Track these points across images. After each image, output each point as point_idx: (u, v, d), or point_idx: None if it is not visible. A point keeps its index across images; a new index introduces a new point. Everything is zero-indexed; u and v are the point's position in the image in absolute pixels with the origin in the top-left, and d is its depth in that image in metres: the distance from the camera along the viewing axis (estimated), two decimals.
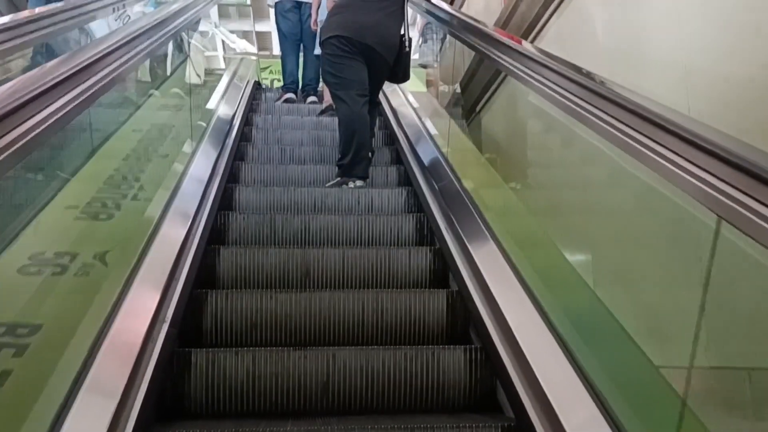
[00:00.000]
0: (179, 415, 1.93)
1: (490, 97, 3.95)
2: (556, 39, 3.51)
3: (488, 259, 2.38)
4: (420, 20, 6.46)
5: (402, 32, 3.82)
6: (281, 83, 6.37)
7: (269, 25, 13.56)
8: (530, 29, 3.75)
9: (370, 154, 3.74)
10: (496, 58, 2.82)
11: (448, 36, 4.33)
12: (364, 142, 3.62)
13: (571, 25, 3.38)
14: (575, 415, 1.61)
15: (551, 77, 2.16)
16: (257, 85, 6.51)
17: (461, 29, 3.49)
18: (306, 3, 5.65)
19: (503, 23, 4.08)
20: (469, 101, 4.22)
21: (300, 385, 1.97)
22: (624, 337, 1.76)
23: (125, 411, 1.57)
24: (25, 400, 1.42)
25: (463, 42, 3.48)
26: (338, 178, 3.59)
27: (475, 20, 3.33)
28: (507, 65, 2.66)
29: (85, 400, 1.48)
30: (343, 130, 3.67)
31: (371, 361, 2.00)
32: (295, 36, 5.75)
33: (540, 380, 1.73)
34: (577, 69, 2.03)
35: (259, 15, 14.00)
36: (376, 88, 3.93)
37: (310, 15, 5.52)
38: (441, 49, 6.06)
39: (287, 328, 2.28)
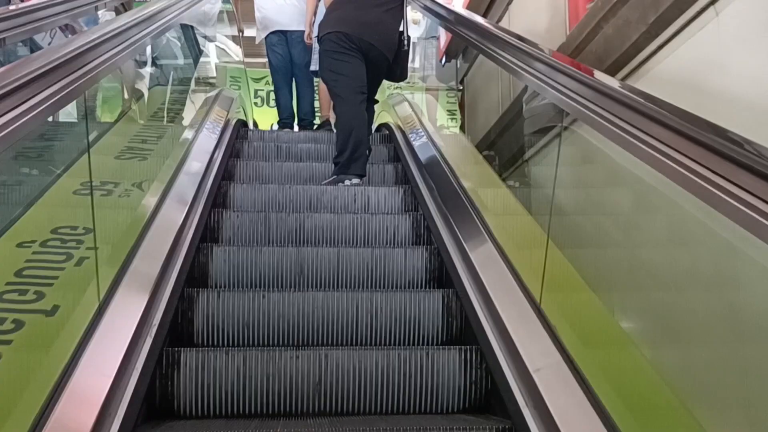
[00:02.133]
0: (169, 416, 1.89)
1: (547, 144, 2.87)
2: (671, 83, 2.35)
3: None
4: (444, 35, 5.85)
5: (401, 30, 3.80)
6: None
7: None
8: (620, 64, 2.62)
9: (367, 151, 3.72)
10: (558, 93, 2.00)
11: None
12: (361, 140, 3.59)
13: (706, 63, 2.16)
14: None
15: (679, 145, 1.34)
16: (243, 126, 4.83)
17: (500, 50, 2.65)
18: (291, 32, 5.43)
19: (573, 51, 2.99)
20: (512, 144, 3.40)
21: (292, 385, 1.94)
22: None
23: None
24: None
25: (504, 66, 2.63)
26: (335, 176, 3.57)
27: (521, 38, 2.48)
28: (581, 109, 1.83)
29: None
30: (340, 127, 3.65)
31: (364, 361, 1.96)
32: (285, 68, 5.54)
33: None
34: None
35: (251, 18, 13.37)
36: (374, 86, 3.91)
37: (299, 41, 5.33)
38: (469, 71, 5.49)
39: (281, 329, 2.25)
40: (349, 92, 3.62)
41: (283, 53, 5.44)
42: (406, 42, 3.80)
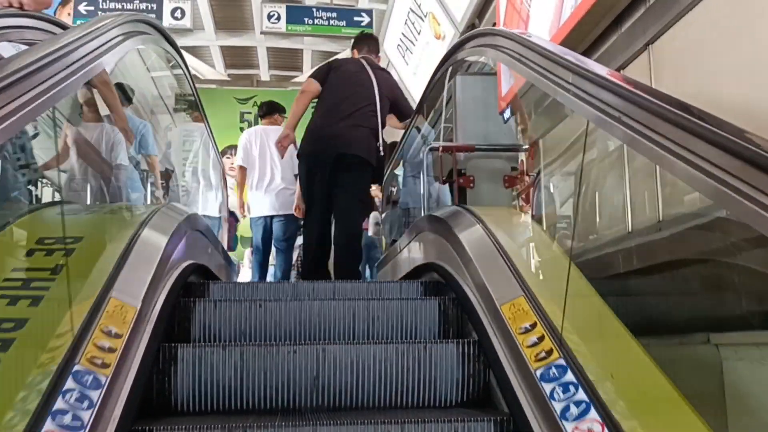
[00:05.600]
0: (166, 412, 1.88)
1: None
2: None
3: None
4: (510, 77, 3.89)
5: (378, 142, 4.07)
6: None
7: (254, 39, 12.51)
8: None
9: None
10: None
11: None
12: (319, 258, 4.01)
13: None
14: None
15: None
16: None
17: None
18: (274, 216, 5.81)
19: None
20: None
21: (289, 380, 1.93)
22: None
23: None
24: None
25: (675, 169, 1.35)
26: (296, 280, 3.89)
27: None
28: None
29: None
30: (304, 240, 4.18)
31: (361, 355, 1.96)
32: (265, 249, 5.94)
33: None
34: None
35: (241, 25, 12.50)
36: (349, 201, 4.04)
37: (277, 222, 5.73)
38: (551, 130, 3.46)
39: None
40: (315, 213, 4.05)
41: (261, 232, 5.90)
42: (380, 147, 4.06)
